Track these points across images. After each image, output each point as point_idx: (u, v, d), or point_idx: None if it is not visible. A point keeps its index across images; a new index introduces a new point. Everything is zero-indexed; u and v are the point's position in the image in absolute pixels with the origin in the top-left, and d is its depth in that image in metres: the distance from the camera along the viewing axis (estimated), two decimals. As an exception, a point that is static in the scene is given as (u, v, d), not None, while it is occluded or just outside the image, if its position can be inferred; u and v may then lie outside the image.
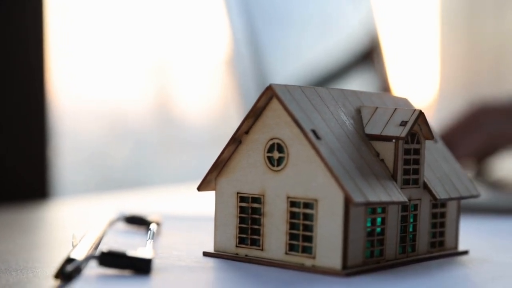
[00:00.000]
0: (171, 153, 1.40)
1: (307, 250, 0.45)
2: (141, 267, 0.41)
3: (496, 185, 0.89)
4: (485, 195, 0.80)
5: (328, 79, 1.07)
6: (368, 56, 1.22)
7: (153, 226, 0.50)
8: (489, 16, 2.66)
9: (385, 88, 1.24)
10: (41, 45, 0.94)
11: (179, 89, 1.46)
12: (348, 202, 0.43)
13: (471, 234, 0.63)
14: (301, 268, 0.44)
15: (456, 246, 0.51)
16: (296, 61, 1.02)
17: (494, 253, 0.52)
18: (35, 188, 0.93)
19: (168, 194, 0.92)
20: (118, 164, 1.29)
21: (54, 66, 0.99)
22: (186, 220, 0.62)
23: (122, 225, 0.57)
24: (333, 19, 1.16)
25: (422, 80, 2.59)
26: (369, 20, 1.22)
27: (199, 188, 0.48)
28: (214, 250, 0.48)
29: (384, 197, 0.44)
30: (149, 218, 0.56)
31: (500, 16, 2.64)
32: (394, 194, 0.45)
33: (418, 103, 2.39)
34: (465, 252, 0.51)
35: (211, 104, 1.54)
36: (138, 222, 0.56)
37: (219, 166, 0.48)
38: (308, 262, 0.44)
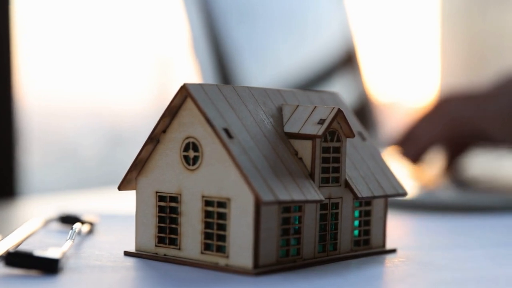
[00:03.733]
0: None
1: (221, 249, 0.44)
2: (47, 267, 0.41)
3: (465, 184, 0.88)
4: (453, 194, 0.80)
5: (307, 84, 1.07)
6: (348, 60, 1.21)
7: (76, 226, 0.50)
8: (490, 12, 2.65)
9: (365, 91, 1.23)
10: (8, 43, 0.94)
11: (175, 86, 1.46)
12: (257, 201, 0.43)
13: (417, 232, 0.63)
14: (215, 267, 0.44)
15: (383, 245, 0.51)
16: (275, 66, 1.02)
17: (424, 251, 0.52)
18: (2, 186, 0.93)
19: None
20: (95, 162, 1.29)
21: (23, 64, 0.99)
22: (128, 220, 0.61)
23: (56, 225, 0.57)
24: (313, 22, 1.16)
25: (422, 79, 2.58)
26: (347, 23, 1.22)
27: (120, 188, 0.48)
28: (135, 250, 0.48)
29: (296, 196, 0.44)
30: (84, 217, 0.56)
31: (500, 11, 2.63)
32: (309, 192, 0.45)
33: (419, 102, 2.39)
34: (392, 251, 0.51)
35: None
36: (72, 221, 0.56)
37: (139, 166, 0.48)
38: (222, 261, 0.44)
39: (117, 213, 0.64)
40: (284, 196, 0.43)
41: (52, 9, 1.25)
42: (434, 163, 0.97)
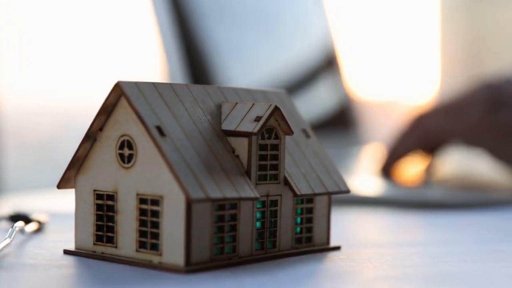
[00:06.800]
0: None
1: (155, 247, 0.44)
2: (-24, 265, 0.41)
3: (442, 182, 0.88)
4: (424, 191, 0.80)
5: (291, 86, 1.07)
6: (332, 61, 1.21)
7: (17, 224, 0.49)
8: (489, 9, 2.64)
9: (347, 92, 1.23)
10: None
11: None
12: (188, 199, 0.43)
13: (374, 229, 0.63)
14: (149, 265, 0.44)
15: (327, 242, 0.51)
16: (258, 69, 1.02)
17: (369, 249, 0.51)
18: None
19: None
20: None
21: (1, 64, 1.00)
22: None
23: (6, 223, 0.57)
24: (298, 24, 1.16)
25: (423, 77, 2.57)
26: (330, 25, 1.22)
27: (59, 186, 0.48)
28: (75, 248, 0.48)
29: (229, 193, 0.44)
30: (33, 216, 0.56)
31: (500, 8, 2.62)
32: (243, 190, 0.45)
33: (420, 100, 2.38)
34: (336, 248, 0.51)
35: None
36: (21, 220, 0.56)
37: (77, 164, 0.48)
38: (155, 259, 0.44)
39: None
40: (215, 193, 0.43)
41: (29, 9, 1.26)
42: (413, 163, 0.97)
